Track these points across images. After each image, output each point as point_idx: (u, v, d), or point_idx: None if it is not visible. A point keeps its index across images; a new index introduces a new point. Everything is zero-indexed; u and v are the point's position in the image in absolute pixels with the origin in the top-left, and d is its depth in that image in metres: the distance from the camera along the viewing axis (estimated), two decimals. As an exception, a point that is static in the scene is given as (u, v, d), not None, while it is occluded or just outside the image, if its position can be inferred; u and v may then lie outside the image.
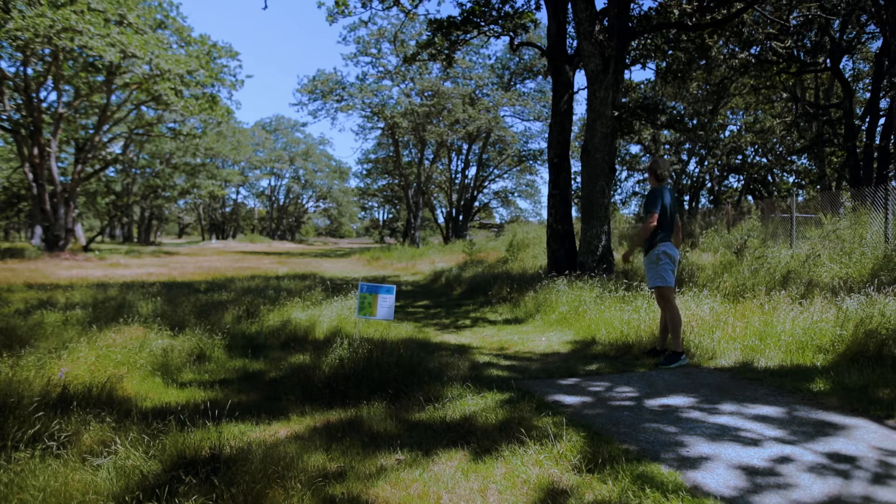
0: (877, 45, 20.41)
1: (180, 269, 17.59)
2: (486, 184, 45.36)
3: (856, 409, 3.88)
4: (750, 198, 31.66)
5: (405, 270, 19.90)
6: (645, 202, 5.57)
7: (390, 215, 71.28)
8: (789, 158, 28.98)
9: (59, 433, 2.99)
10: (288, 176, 68.42)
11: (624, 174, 35.72)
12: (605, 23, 10.77)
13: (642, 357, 5.64)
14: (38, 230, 26.26)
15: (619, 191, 36.74)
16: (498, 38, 14.33)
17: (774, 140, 28.86)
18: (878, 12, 17.08)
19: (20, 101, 22.23)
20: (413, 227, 38.34)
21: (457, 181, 41.76)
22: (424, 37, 15.48)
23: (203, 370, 5.21)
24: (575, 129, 27.08)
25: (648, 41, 13.72)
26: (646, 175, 35.58)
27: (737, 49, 17.31)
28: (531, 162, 42.80)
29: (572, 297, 8.26)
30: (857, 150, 18.89)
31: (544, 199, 30.99)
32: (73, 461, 2.75)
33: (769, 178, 31.81)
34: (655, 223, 5.38)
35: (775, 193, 30.23)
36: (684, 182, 30.57)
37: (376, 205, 69.44)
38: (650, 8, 12.73)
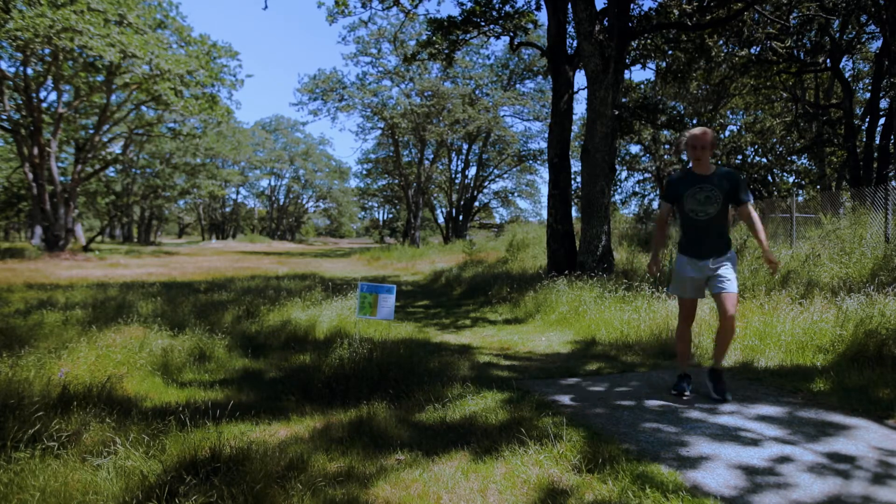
0: (877, 45, 20.40)
1: (180, 269, 17.58)
2: (486, 184, 45.35)
3: (856, 409, 3.88)
4: (750, 198, 31.59)
5: (405, 270, 19.90)
6: (741, 186, 4.09)
7: (390, 215, 71.25)
8: (789, 158, 28.97)
9: (59, 433, 2.98)
10: (288, 176, 68.41)
11: (624, 174, 35.77)
12: (605, 23, 10.76)
13: (647, 359, 5.63)
14: (38, 230, 26.25)
15: (619, 191, 36.79)
16: (498, 38, 14.34)
17: (774, 140, 28.85)
18: (878, 12, 17.06)
19: (20, 101, 22.23)
20: (413, 227, 38.32)
21: (457, 181, 41.74)
22: (424, 37, 15.47)
23: (203, 370, 5.21)
24: (575, 129, 27.08)
25: (648, 41, 13.71)
26: (646, 175, 36.06)
27: (736, 48, 17.30)
28: (531, 162, 42.80)
29: (572, 297, 8.26)
30: (857, 150, 18.87)
31: (544, 199, 30.93)
32: (73, 461, 2.75)
33: (769, 178, 31.80)
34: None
35: (775, 193, 30.21)
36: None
37: (376, 205, 69.40)
38: (650, 8, 12.74)
